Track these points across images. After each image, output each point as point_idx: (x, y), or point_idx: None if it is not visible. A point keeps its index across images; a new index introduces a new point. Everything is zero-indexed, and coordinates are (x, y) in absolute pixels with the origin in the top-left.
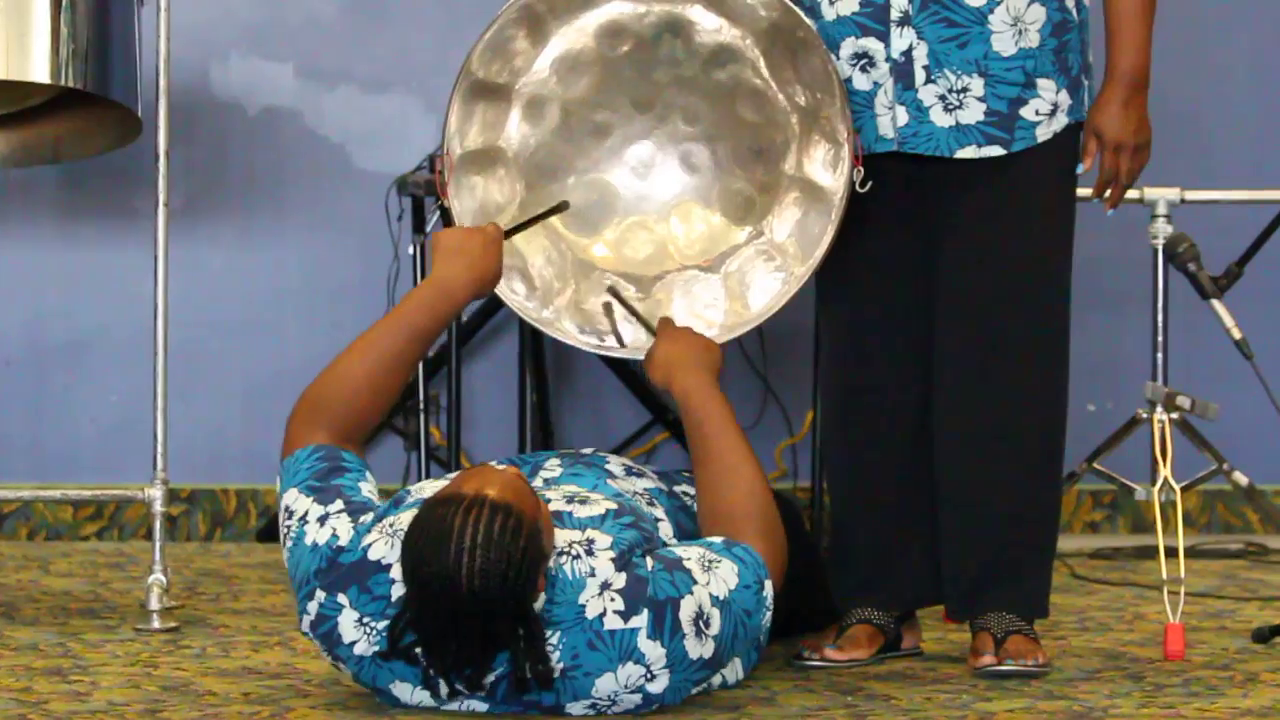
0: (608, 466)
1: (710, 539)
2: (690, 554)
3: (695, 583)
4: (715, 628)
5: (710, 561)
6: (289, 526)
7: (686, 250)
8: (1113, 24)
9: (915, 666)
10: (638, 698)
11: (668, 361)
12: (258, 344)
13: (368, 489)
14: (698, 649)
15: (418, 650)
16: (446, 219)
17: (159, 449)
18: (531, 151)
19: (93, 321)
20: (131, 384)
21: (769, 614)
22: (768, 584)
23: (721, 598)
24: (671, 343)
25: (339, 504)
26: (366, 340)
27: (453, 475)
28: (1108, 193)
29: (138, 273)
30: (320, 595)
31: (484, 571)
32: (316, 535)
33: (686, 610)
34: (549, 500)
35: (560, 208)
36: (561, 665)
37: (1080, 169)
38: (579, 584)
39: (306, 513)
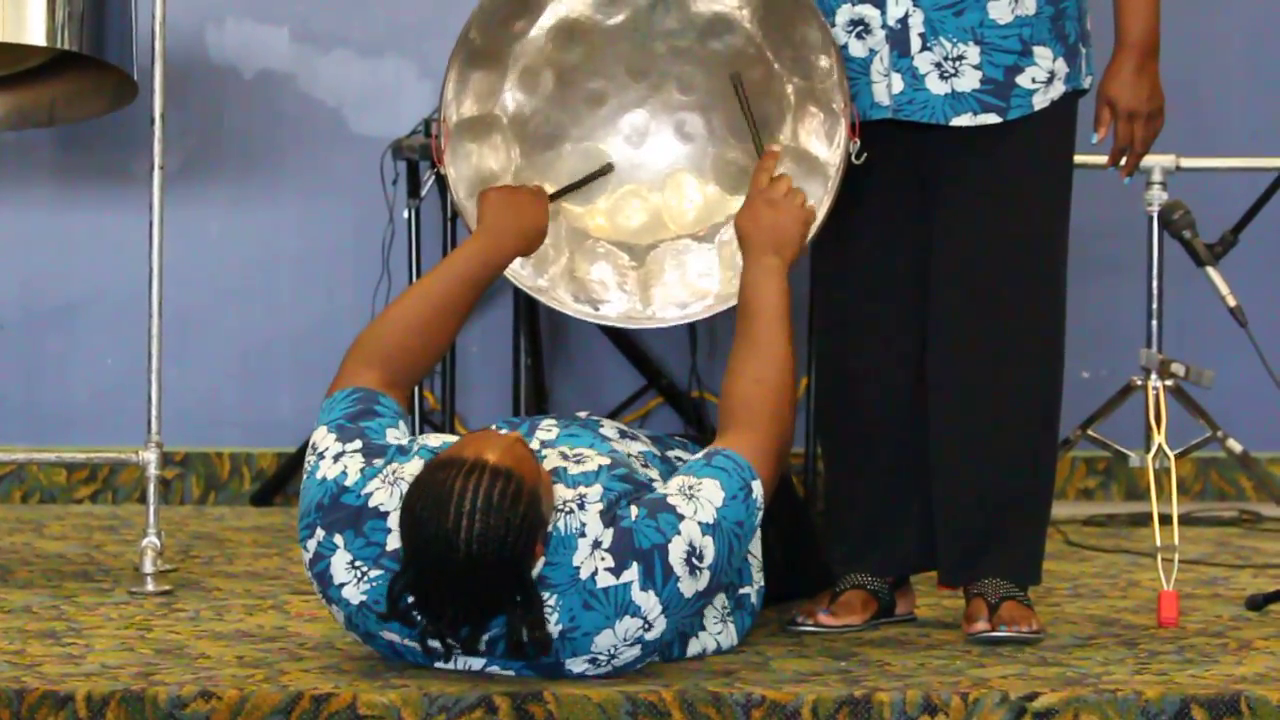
0: (602, 430)
1: (691, 461)
2: (671, 488)
3: (682, 519)
4: (709, 557)
5: (691, 487)
6: (309, 460)
7: (681, 219)
8: None
9: (909, 632)
10: (636, 649)
11: (745, 231)
12: (252, 307)
13: (395, 435)
14: (693, 586)
15: (415, 614)
16: (442, 185)
17: (153, 412)
18: (526, 119)
19: (87, 284)
20: (126, 347)
21: (760, 513)
22: (755, 485)
23: (711, 521)
24: (747, 216)
25: (357, 444)
26: (419, 286)
27: (453, 435)
28: (1123, 161)
29: (133, 236)
30: (320, 533)
31: (482, 537)
32: (328, 470)
33: (675, 552)
34: (544, 458)
35: (606, 170)
36: (560, 627)
37: (1094, 139)
38: (570, 542)
39: (326, 449)
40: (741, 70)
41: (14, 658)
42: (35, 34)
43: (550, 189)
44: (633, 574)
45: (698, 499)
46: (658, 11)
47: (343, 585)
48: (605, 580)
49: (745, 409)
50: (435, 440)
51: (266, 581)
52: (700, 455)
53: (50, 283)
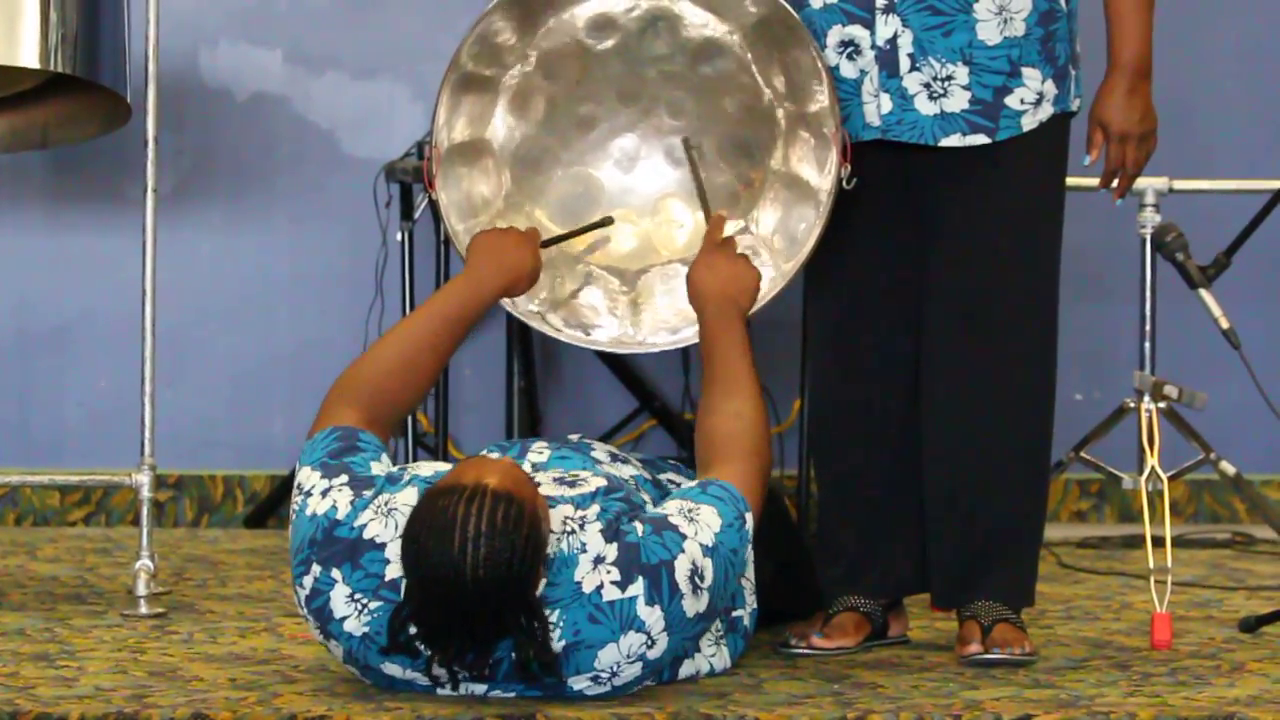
0: (593, 453)
1: (685, 487)
2: (670, 509)
3: (685, 538)
4: (709, 578)
5: (690, 511)
6: (296, 500)
7: (670, 244)
8: (1113, 14)
9: (902, 655)
10: (638, 667)
11: (697, 288)
12: (246, 330)
13: (379, 468)
14: (694, 605)
15: (418, 645)
16: (436, 208)
17: (147, 434)
18: (517, 144)
19: (81, 307)
20: (119, 369)
21: (750, 545)
22: (748, 516)
23: (710, 545)
24: (705, 269)
25: (343, 478)
26: (402, 327)
27: (443, 463)
28: (1115, 183)
29: (126, 258)
30: (315, 569)
31: (489, 561)
32: (317, 506)
33: (681, 570)
34: (539, 484)
35: (604, 223)
36: (564, 643)
37: (1086, 161)
38: (571, 560)
39: (313, 487)
40: (729, 97)
41: (7, 680)
42: (29, 56)
43: (546, 233)
44: (638, 588)
45: (697, 522)
46: (648, 36)
47: (344, 619)
48: (611, 594)
49: (730, 443)
50: (427, 470)
51: (260, 604)
52: (694, 484)
53: (43, 305)
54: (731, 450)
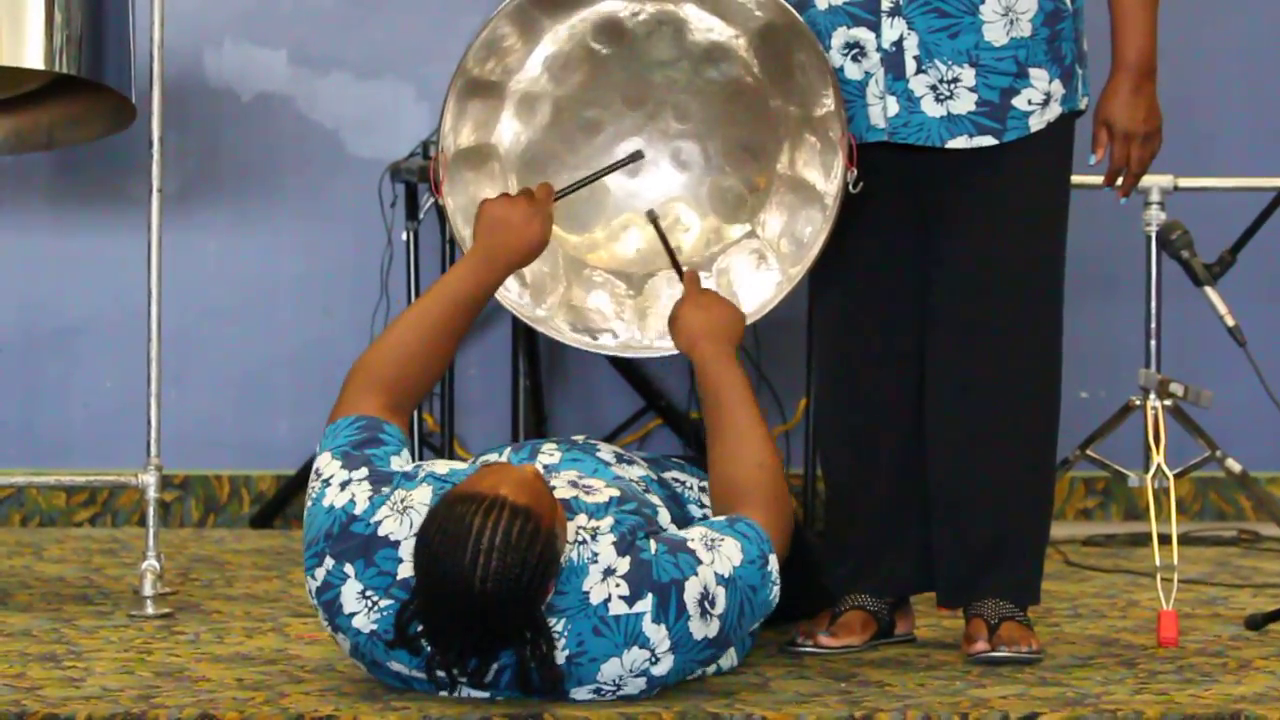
0: (600, 454)
1: (713, 519)
2: (693, 534)
3: (700, 563)
4: (720, 606)
5: (713, 540)
6: (313, 487)
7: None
8: (1117, 12)
9: (909, 653)
10: (642, 681)
11: (690, 328)
12: (251, 330)
13: (399, 463)
14: (702, 630)
15: (422, 641)
16: (441, 209)
17: (153, 435)
18: (523, 148)
19: (86, 307)
20: (125, 370)
21: (776, 588)
22: (772, 558)
23: (726, 576)
24: (695, 308)
25: (364, 471)
26: (415, 310)
27: (458, 461)
28: (1119, 181)
29: (131, 259)
30: (329, 562)
31: (498, 575)
32: (335, 498)
33: (691, 592)
34: (554, 489)
35: (636, 157)
36: (568, 653)
37: (1092, 160)
38: (582, 569)
39: (331, 476)
40: (735, 101)
41: (14, 681)
42: (34, 58)
43: (556, 187)
44: (646, 605)
45: (717, 551)
46: (654, 41)
47: (353, 615)
48: (618, 608)
49: (755, 491)
50: (442, 467)
51: (266, 604)
52: (723, 518)
53: (49, 306)
54: (757, 498)
